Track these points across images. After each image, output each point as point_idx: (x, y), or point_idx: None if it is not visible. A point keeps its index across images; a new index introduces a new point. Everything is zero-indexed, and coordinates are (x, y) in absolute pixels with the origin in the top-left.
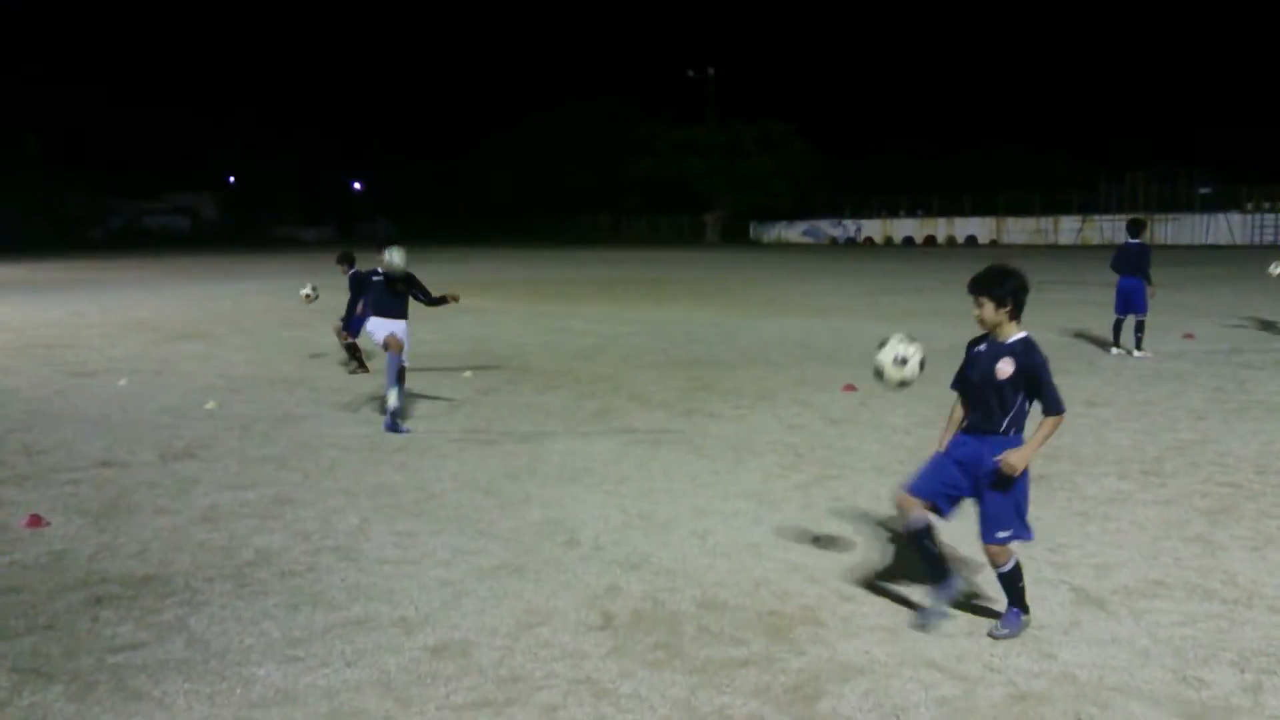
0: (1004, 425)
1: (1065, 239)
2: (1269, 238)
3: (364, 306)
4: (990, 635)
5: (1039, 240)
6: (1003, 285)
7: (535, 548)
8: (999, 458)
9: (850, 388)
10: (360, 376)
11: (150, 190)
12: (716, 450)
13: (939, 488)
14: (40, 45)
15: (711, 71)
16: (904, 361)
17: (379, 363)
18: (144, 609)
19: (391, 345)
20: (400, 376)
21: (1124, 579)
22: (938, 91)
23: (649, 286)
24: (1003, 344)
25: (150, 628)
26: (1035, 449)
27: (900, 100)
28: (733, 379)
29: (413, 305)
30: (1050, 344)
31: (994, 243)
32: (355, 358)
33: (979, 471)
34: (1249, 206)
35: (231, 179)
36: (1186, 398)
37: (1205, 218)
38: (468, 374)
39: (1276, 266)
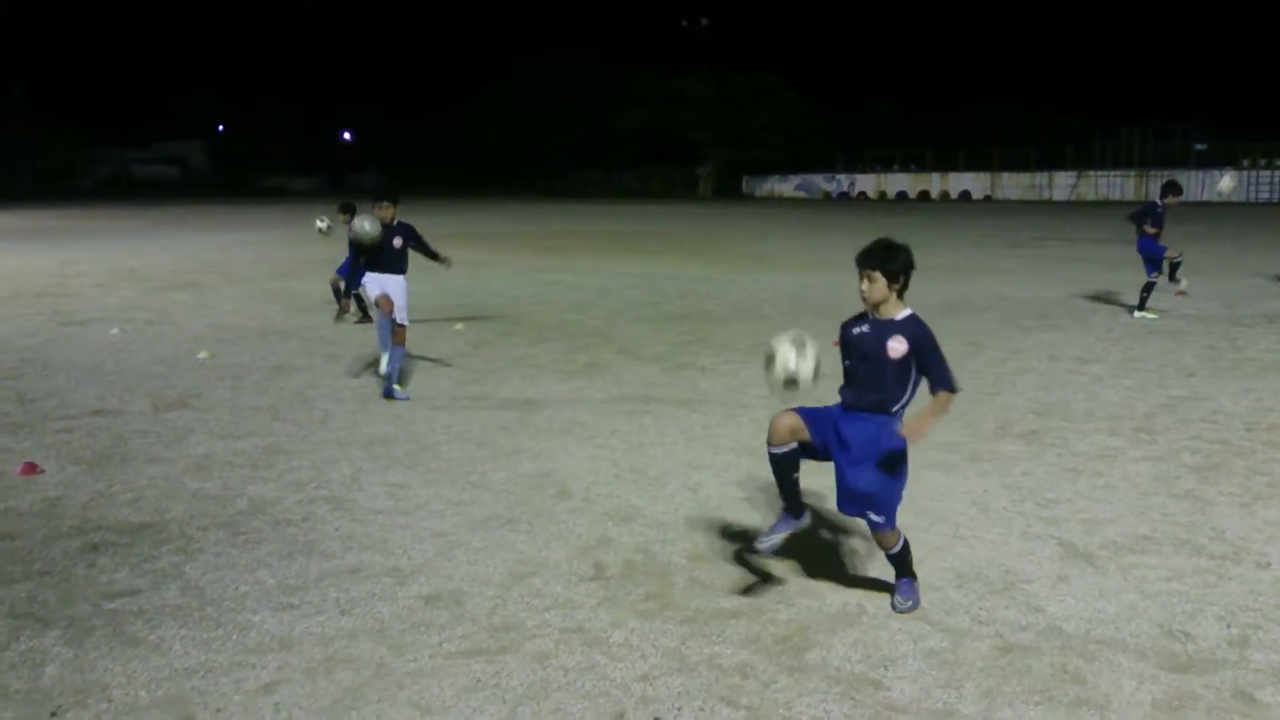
0: (896, 406)
1: (1060, 195)
2: (1264, 195)
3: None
4: (893, 608)
5: (1033, 196)
6: (896, 259)
7: (527, 499)
8: (902, 431)
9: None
10: (356, 327)
11: (138, 139)
12: (708, 404)
13: (817, 420)
14: None
15: (705, 22)
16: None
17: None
18: (139, 556)
19: (383, 305)
20: (399, 338)
21: (1112, 534)
22: (934, 46)
23: (640, 240)
24: (890, 322)
25: (146, 574)
26: (933, 424)
27: (896, 54)
28: (725, 333)
29: (413, 259)
30: (1044, 301)
31: (988, 198)
32: (360, 308)
33: (863, 447)
34: (1245, 163)
35: (221, 128)
36: (1178, 355)
37: (1201, 174)
38: (459, 326)
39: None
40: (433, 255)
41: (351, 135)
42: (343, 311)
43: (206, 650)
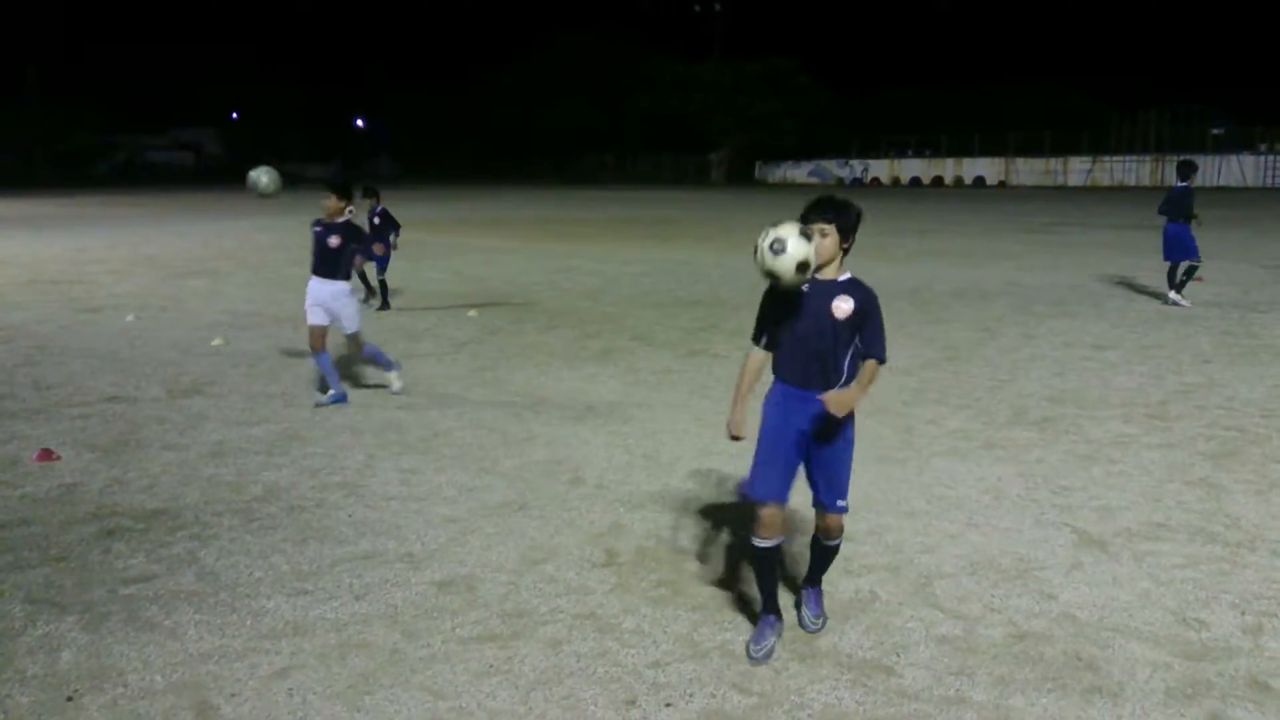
0: (846, 374)
1: (1075, 180)
2: None
3: (385, 245)
4: (804, 627)
5: (1048, 181)
6: (848, 214)
7: (539, 486)
8: (824, 398)
9: None
10: (370, 315)
11: (154, 125)
12: (721, 391)
13: (786, 476)
14: None
15: (718, 7)
16: (781, 249)
17: (406, 300)
18: (154, 542)
19: (313, 340)
20: (355, 345)
21: (1126, 521)
22: (948, 30)
23: (653, 226)
24: (834, 281)
25: (161, 560)
26: (860, 395)
27: (911, 38)
28: (737, 319)
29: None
30: (1058, 287)
31: (1002, 184)
32: (382, 295)
33: (824, 434)
34: (1263, 148)
35: (235, 115)
36: (1193, 341)
37: (1218, 159)
38: (472, 313)
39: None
40: (361, 273)
41: (365, 121)
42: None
43: (221, 635)
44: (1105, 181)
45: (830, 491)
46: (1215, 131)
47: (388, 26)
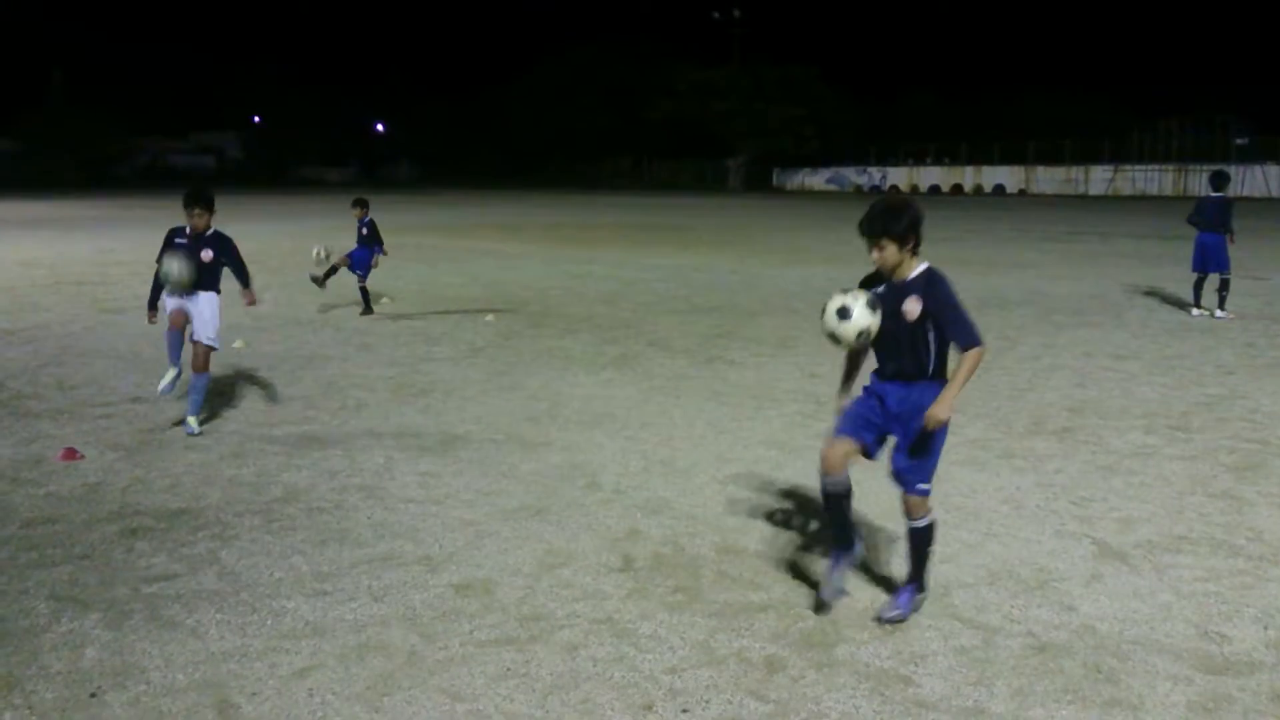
0: (931, 367)
1: (1096, 189)
2: None
3: (367, 255)
4: (878, 619)
5: (1069, 190)
6: (900, 221)
7: (556, 490)
8: (927, 414)
9: None
10: (381, 319)
11: (176, 129)
12: (737, 397)
13: (864, 425)
14: None
15: (737, 14)
16: (848, 315)
17: (423, 304)
18: (176, 541)
19: (174, 319)
20: (200, 363)
21: (1147, 533)
22: (968, 36)
23: (671, 232)
24: (906, 282)
25: (183, 559)
26: (956, 392)
27: (930, 45)
28: (754, 326)
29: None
30: (1079, 296)
31: (1022, 192)
32: (365, 301)
33: (913, 419)
34: None
35: (256, 119)
36: (1216, 352)
37: (1241, 169)
38: (489, 317)
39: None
40: (243, 278)
41: (384, 126)
42: (323, 277)
43: (242, 635)
44: (1127, 191)
45: (912, 472)
46: (1239, 141)
47: (407, 32)
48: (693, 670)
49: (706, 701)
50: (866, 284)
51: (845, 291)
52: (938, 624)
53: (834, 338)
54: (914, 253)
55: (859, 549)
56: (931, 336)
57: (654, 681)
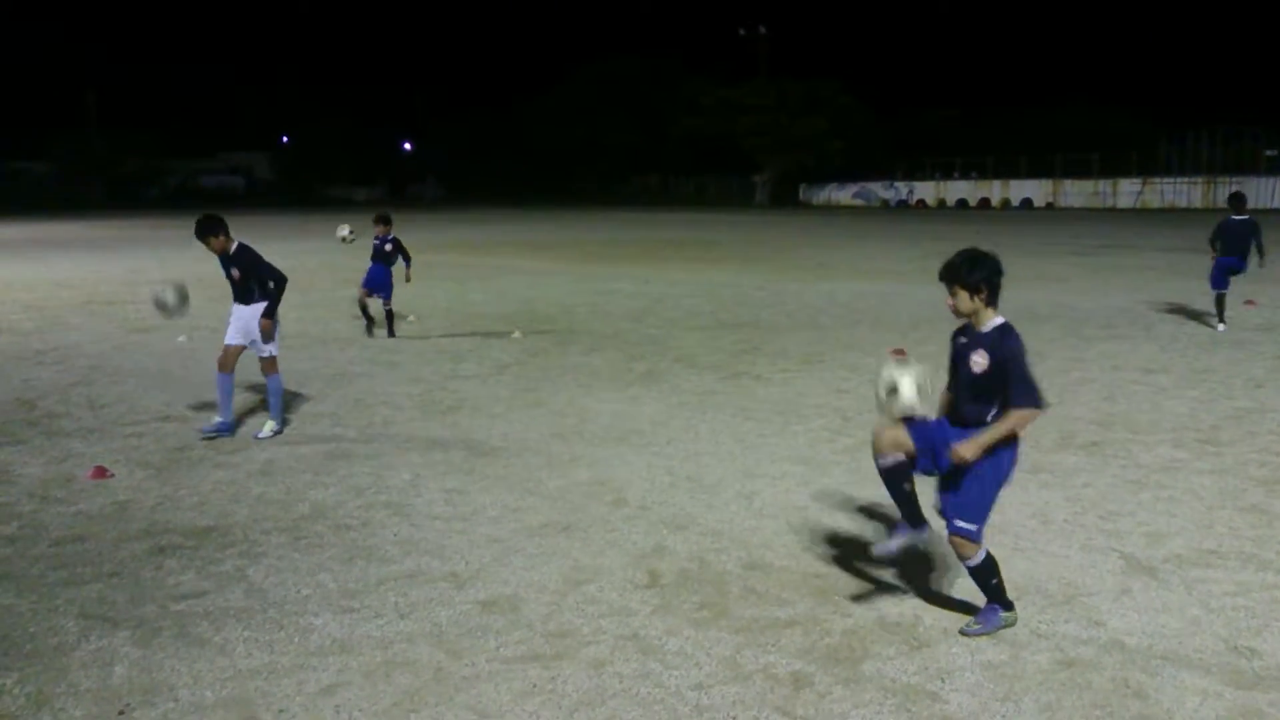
0: (990, 419)
1: (1124, 202)
2: None
3: (384, 273)
4: (962, 632)
5: (1096, 204)
6: (973, 272)
7: (583, 507)
8: (952, 447)
9: (898, 352)
10: (400, 339)
11: (205, 149)
12: (764, 413)
13: (918, 434)
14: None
15: (763, 30)
16: (894, 390)
17: (451, 322)
18: (204, 559)
19: (225, 360)
20: (269, 368)
21: (1176, 547)
22: (994, 50)
23: (697, 248)
24: (980, 334)
25: (211, 577)
26: (989, 440)
27: (957, 59)
28: (780, 342)
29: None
30: (1107, 310)
31: (1050, 205)
32: (388, 325)
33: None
34: None
35: (284, 139)
36: (1246, 366)
37: (1271, 181)
38: (516, 334)
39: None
40: (271, 297)
41: (411, 145)
42: (370, 325)
43: (270, 652)
44: (1155, 203)
45: (952, 509)
46: (1269, 153)
47: (434, 51)
48: (719, 687)
49: (733, 718)
50: (960, 334)
51: (902, 364)
52: (965, 639)
53: (883, 409)
54: (989, 304)
55: (925, 533)
56: (997, 392)
57: (680, 698)
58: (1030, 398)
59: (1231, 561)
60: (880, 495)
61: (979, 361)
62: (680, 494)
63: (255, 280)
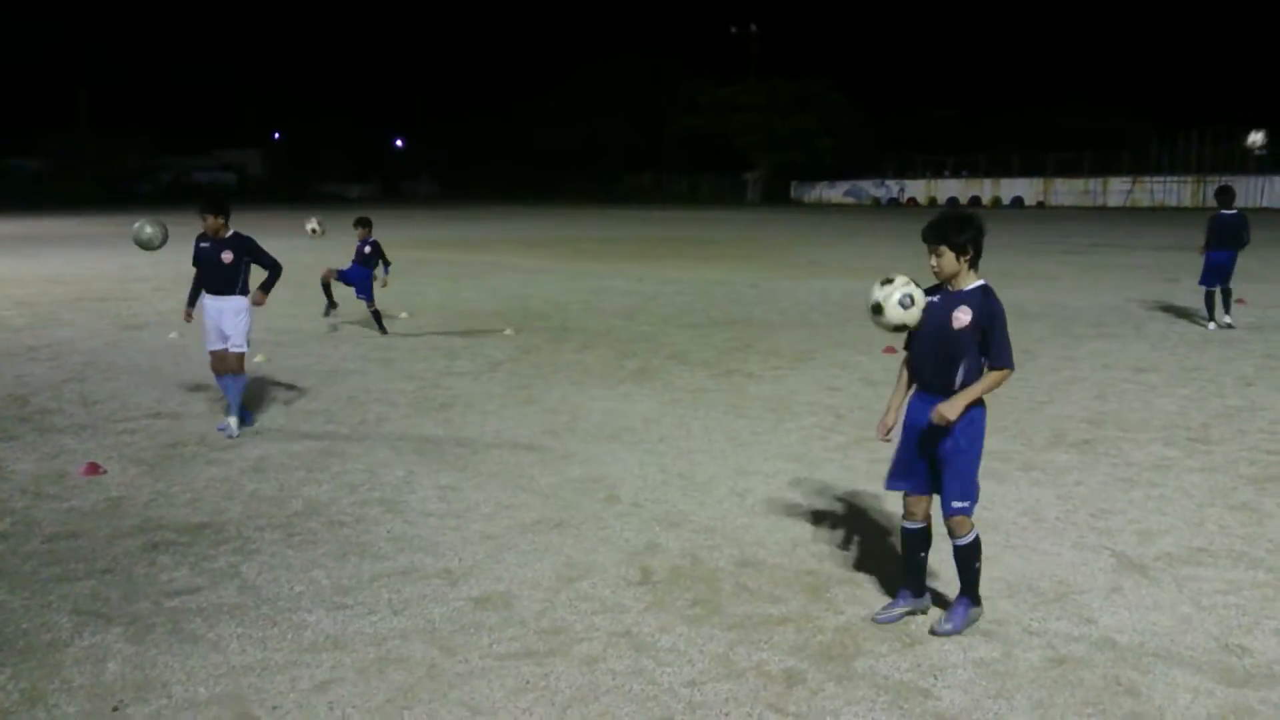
0: (959, 382)
1: (1114, 201)
2: None
3: (364, 275)
4: (932, 631)
5: (1087, 202)
6: (961, 232)
7: (575, 504)
8: (934, 410)
9: (891, 350)
10: (394, 336)
11: (198, 146)
12: (756, 410)
13: (913, 469)
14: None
15: (754, 28)
16: (910, 303)
17: (444, 319)
18: (198, 555)
19: (216, 366)
20: (233, 366)
21: (1167, 545)
22: (986, 48)
23: (690, 246)
24: (960, 292)
25: (204, 573)
26: (970, 399)
27: (948, 57)
28: (772, 339)
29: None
30: (1098, 308)
31: (1041, 204)
32: (378, 324)
33: (934, 435)
34: None
35: (277, 135)
36: (1236, 364)
37: (1261, 180)
38: (509, 331)
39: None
40: (269, 276)
41: (405, 142)
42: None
43: (263, 648)
44: (1145, 202)
45: (946, 492)
46: (1258, 152)
47: (429, 48)
48: (712, 683)
49: (726, 714)
50: (929, 294)
51: (909, 281)
52: (957, 636)
53: (903, 326)
54: (971, 266)
55: (927, 601)
56: (970, 352)
57: (673, 695)
58: (1009, 358)
59: (1222, 559)
60: (874, 491)
61: (961, 317)
62: (673, 491)
63: (248, 264)
